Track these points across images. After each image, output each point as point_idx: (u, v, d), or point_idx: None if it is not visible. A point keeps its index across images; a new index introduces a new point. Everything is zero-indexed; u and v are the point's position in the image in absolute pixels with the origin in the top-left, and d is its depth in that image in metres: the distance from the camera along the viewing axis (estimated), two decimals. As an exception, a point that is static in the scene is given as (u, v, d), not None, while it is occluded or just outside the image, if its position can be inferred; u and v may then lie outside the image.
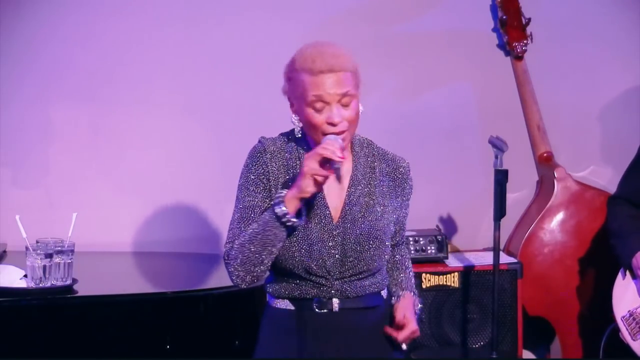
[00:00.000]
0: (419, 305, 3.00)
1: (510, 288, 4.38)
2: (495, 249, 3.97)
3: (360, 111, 2.89)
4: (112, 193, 4.51)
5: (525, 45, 4.66)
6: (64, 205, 4.39)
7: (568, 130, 4.82)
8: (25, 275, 3.63)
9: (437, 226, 4.59)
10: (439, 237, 4.40)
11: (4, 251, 4.19)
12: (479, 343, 4.38)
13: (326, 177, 2.75)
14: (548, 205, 4.60)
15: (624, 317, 4.04)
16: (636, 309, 4.02)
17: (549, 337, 4.74)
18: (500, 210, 3.94)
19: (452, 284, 4.36)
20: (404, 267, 3.05)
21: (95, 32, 4.48)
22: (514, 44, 4.65)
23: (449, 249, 4.46)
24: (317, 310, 2.86)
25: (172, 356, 3.59)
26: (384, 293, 2.96)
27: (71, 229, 3.64)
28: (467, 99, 4.77)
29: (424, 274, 4.34)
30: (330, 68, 2.84)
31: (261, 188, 2.87)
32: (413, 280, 3.04)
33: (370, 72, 4.68)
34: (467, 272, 4.36)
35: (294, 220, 2.77)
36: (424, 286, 4.35)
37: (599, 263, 4.53)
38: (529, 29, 4.67)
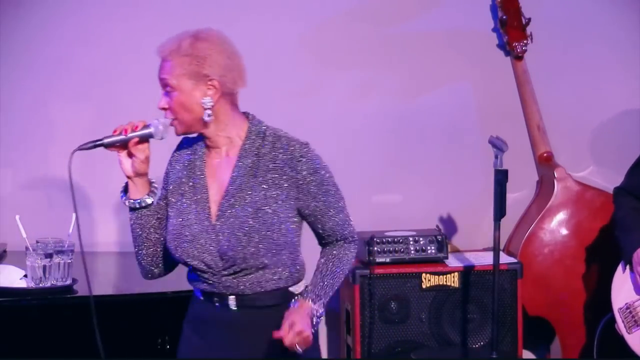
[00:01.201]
0: (320, 312, 2.87)
1: (510, 288, 4.38)
2: (495, 249, 3.97)
3: (204, 103, 2.80)
4: (112, 193, 4.51)
5: (525, 45, 4.66)
6: (64, 205, 4.39)
7: (568, 130, 4.82)
8: (25, 275, 3.63)
9: (437, 226, 4.59)
10: (439, 237, 4.40)
11: (4, 251, 4.19)
12: (479, 343, 4.38)
13: (126, 154, 2.82)
14: (548, 205, 4.60)
15: (620, 308, 4.05)
16: (633, 302, 4.03)
17: (549, 337, 4.74)
18: (500, 210, 3.94)
19: (452, 284, 4.36)
20: (331, 267, 2.90)
21: (95, 32, 4.48)
22: (514, 44, 4.65)
23: (449, 249, 4.46)
24: (217, 305, 2.87)
25: (172, 356, 3.58)
26: (295, 288, 2.89)
27: (71, 229, 3.64)
28: (467, 99, 4.77)
29: (424, 274, 4.35)
30: (160, 54, 2.84)
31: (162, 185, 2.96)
32: (333, 284, 2.89)
33: (370, 72, 4.74)
34: (467, 272, 4.36)
35: (131, 200, 2.87)
36: (424, 286, 4.35)
37: (599, 263, 4.53)
38: (529, 29, 4.67)
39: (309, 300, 2.85)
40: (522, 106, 4.73)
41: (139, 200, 2.88)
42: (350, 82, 4.68)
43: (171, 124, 2.84)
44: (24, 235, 3.58)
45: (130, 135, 2.81)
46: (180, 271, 3.01)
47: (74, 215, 3.68)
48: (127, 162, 2.84)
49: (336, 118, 4.69)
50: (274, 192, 2.82)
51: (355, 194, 4.68)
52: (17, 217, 3.61)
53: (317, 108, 4.67)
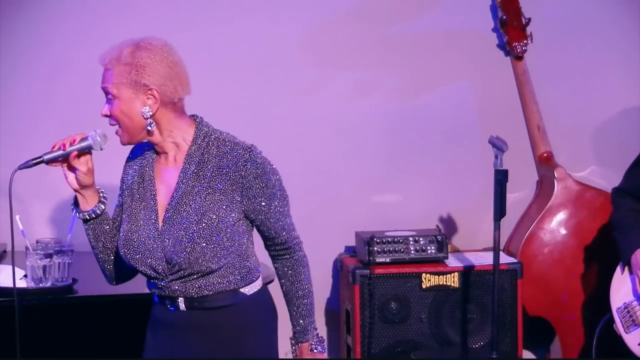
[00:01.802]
0: (316, 339, 2.96)
1: (510, 288, 4.38)
2: (495, 249, 3.97)
3: (143, 113, 2.80)
4: (112, 193, 4.50)
5: (525, 45, 4.66)
6: (64, 205, 4.39)
7: (568, 130, 4.82)
8: (25, 275, 3.63)
9: (437, 226, 4.59)
10: (439, 237, 4.40)
11: (4, 251, 4.18)
12: (479, 343, 4.38)
13: (68, 168, 2.86)
14: (548, 205, 4.60)
15: (619, 308, 4.06)
16: (631, 302, 4.04)
17: (549, 337, 4.74)
18: (500, 210, 3.94)
19: (452, 284, 4.36)
20: (298, 294, 2.94)
21: (95, 32, 4.47)
22: (514, 44, 4.65)
23: (449, 249, 4.46)
24: (168, 307, 2.89)
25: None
26: (246, 290, 2.90)
27: (71, 229, 3.64)
28: (467, 99, 4.77)
29: (424, 274, 4.35)
30: (101, 62, 2.86)
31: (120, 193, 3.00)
32: (309, 307, 2.96)
33: (370, 72, 4.74)
34: (467, 272, 4.36)
35: (82, 212, 2.90)
36: (424, 286, 4.35)
37: (599, 263, 4.53)
38: (529, 29, 4.67)
39: (304, 343, 2.94)
40: (522, 106, 4.73)
41: (89, 212, 2.91)
42: (350, 82, 4.68)
43: (116, 133, 2.85)
44: (24, 236, 3.58)
45: (69, 149, 2.83)
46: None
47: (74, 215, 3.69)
48: (70, 176, 2.88)
49: (336, 118, 4.68)
50: (218, 197, 2.82)
51: (355, 194, 4.70)
52: (17, 217, 3.60)
53: (317, 108, 4.67)
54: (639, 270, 3.98)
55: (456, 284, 4.36)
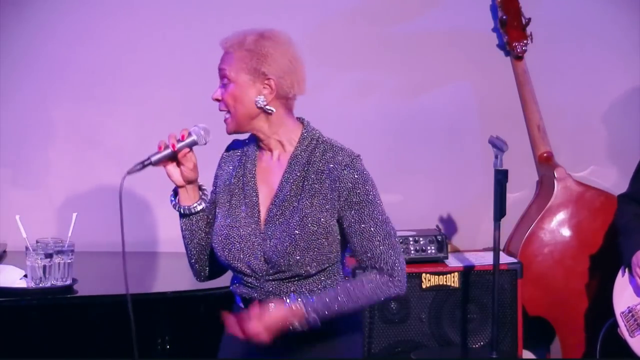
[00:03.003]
0: (312, 317, 2.74)
1: (510, 288, 4.38)
2: (495, 249, 3.97)
3: (257, 102, 2.77)
4: (112, 193, 4.51)
5: (525, 45, 4.66)
6: (64, 205, 4.40)
7: (568, 130, 4.82)
8: (25, 275, 3.63)
9: (437, 226, 4.59)
10: (439, 237, 4.40)
11: (4, 251, 4.19)
12: (479, 343, 4.38)
13: (174, 165, 2.81)
14: (548, 205, 4.60)
15: (623, 313, 4.05)
16: (635, 305, 4.03)
17: (549, 337, 4.74)
18: (500, 210, 3.94)
19: (452, 284, 4.36)
20: (351, 291, 2.76)
21: (95, 32, 4.48)
22: (514, 44, 4.65)
23: (449, 249, 4.46)
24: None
25: (172, 356, 3.59)
26: None
27: (71, 229, 3.64)
28: (467, 99, 4.77)
29: (424, 274, 4.34)
30: (223, 44, 2.84)
31: (213, 189, 2.95)
32: (341, 305, 2.74)
33: (370, 72, 4.74)
34: (467, 272, 4.36)
35: (184, 206, 2.87)
36: (424, 286, 4.35)
37: (599, 263, 4.53)
38: (529, 29, 4.67)
39: (302, 308, 2.73)
40: (522, 106, 4.73)
41: (190, 207, 2.88)
42: (351, 82, 4.69)
43: (224, 121, 2.82)
44: (24, 235, 3.58)
45: (179, 146, 2.80)
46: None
47: (74, 215, 3.69)
48: (175, 173, 2.84)
49: (336, 118, 4.68)
50: (319, 201, 2.78)
51: (355, 194, 4.69)
52: (17, 217, 3.61)
53: (317, 108, 4.63)
54: (638, 268, 3.97)
55: (456, 284, 4.36)
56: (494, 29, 4.74)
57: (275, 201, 2.81)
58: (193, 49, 4.54)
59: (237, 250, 2.81)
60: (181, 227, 2.92)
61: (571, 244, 4.60)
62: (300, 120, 2.89)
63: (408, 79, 4.73)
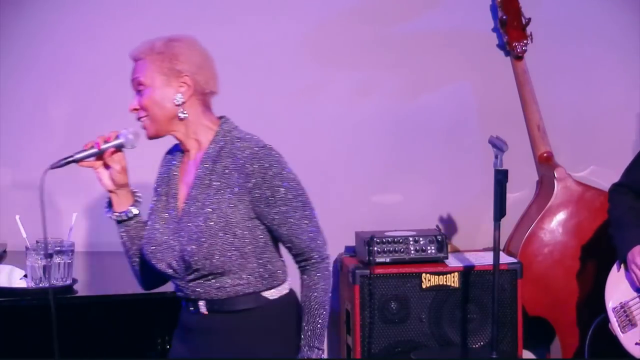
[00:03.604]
0: (314, 355, 2.85)
1: (510, 288, 4.38)
2: (495, 249, 3.97)
3: (176, 100, 2.80)
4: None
5: (525, 45, 4.66)
6: (64, 205, 4.39)
7: (568, 130, 4.82)
8: (25, 275, 3.63)
9: (437, 226, 4.59)
10: (439, 237, 4.40)
11: (4, 251, 4.19)
12: (479, 343, 4.38)
13: (102, 168, 2.86)
14: (548, 205, 4.60)
15: (614, 308, 4.06)
16: (628, 301, 4.03)
17: (549, 337, 4.75)
18: (500, 210, 3.94)
19: (452, 284, 4.36)
20: (310, 301, 2.84)
21: (95, 32, 4.48)
22: (514, 44, 4.65)
23: (449, 249, 4.46)
24: (191, 310, 2.88)
25: (172, 356, 3.58)
26: (268, 294, 2.86)
27: (71, 229, 3.64)
28: (467, 99, 4.77)
29: (424, 274, 4.35)
30: (132, 55, 2.86)
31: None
32: (321, 323, 2.83)
33: (370, 72, 4.74)
34: (467, 272, 4.36)
35: (115, 214, 2.92)
36: (424, 286, 4.35)
37: (599, 263, 4.53)
38: (529, 29, 4.67)
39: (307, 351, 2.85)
40: (522, 106, 4.73)
41: (124, 212, 2.92)
42: (350, 82, 4.69)
43: (143, 127, 2.84)
44: (24, 235, 3.58)
45: (104, 147, 2.83)
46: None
47: (74, 215, 3.69)
48: (105, 176, 2.88)
49: (336, 118, 4.69)
50: (228, 195, 2.79)
51: (355, 194, 4.70)
52: (17, 217, 3.61)
53: (317, 108, 4.67)
54: (633, 264, 3.96)
55: (456, 284, 4.36)
56: (494, 29, 4.74)
57: (187, 200, 2.84)
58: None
59: (159, 251, 2.85)
60: (120, 236, 2.95)
61: (571, 244, 4.60)
62: (220, 117, 2.92)
63: (408, 79, 4.73)
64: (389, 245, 4.36)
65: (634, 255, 3.96)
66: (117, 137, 2.84)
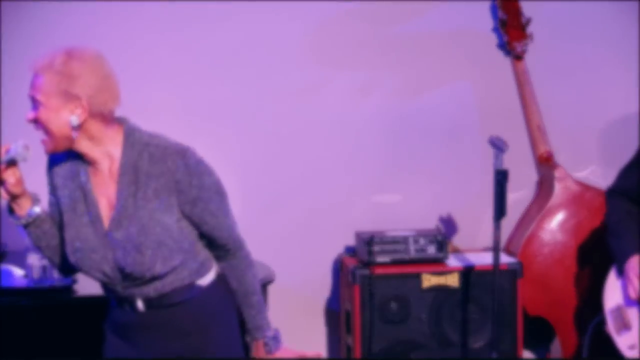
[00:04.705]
0: (272, 334, 2.99)
1: (510, 288, 4.38)
2: (495, 249, 3.97)
3: (71, 122, 2.77)
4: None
5: (525, 45, 4.66)
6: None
7: (568, 130, 4.82)
8: (26, 275, 3.63)
9: (437, 226, 4.59)
10: (439, 237, 4.39)
11: (4, 251, 4.19)
12: (479, 343, 4.38)
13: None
14: (548, 205, 4.60)
15: (611, 310, 4.06)
16: (623, 305, 4.04)
17: (549, 337, 4.74)
18: (500, 210, 3.94)
19: (452, 284, 4.36)
20: (245, 285, 2.96)
21: (95, 32, 4.47)
22: (514, 44, 4.65)
23: (449, 249, 4.46)
24: (127, 309, 2.89)
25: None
26: (201, 281, 2.91)
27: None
28: (467, 99, 4.77)
29: (424, 274, 4.34)
30: (31, 68, 2.83)
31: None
32: (259, 306, 2.98)
33: (370, 72, 4.74)
34: (467, 272, 4.36)
35: (21, 217, 2.89)
36: (424, 286, 4.35)
37: (599, 263, 4.52)
38: (529, 29, 4.67)
39: (259, 340, 2.98)
40: (522, 106, 4.73)
41: (27, 213, 2.89)
42: (351, 82, 4.68)
43: (41, 142, 2.82)
44: (24, 235, 3.57)
45: None
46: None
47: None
48: (1, 190, 2.85)
49: (336, 118, 4.68)
50: (156, 204, 2.80)
51: (355, 194, 4.70)
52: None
53: (317, 108, 4.67)
54: (631, 273, 3.96)
55: (456, 284, 4.36)
56: (494, 29, 4.74)
57: (114, 213, 2.82)
58: (193, 49, 4.54)
59: (88, 261, 2.84)
60: (32, 240, 2.93)
61: (571, 244, 4.60)
62: (121, 122, 2.88)
63: (408, 79, 4.72)
64: (389, 245, 4.36)
65: (632, 266, 3.96)
66: (7, 152, 2.83)
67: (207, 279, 2.92)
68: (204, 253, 2.92)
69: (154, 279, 2.83)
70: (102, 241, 2.83)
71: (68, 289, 3.62)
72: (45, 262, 3.58)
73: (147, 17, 4.48)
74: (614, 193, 4.15)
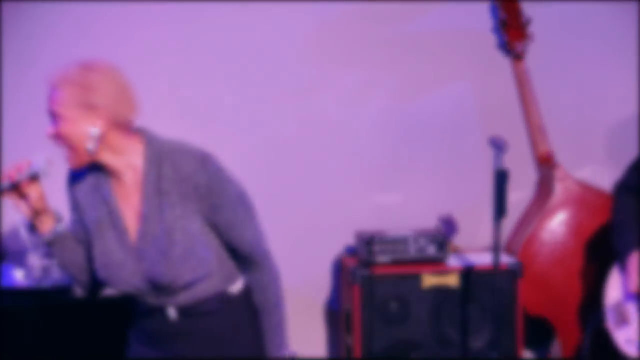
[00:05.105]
0: (286, 353, 2.97)
1: (510, 288, 4.38)
2: (495, 249, 3.97)
3: (91, 133, 2.76)
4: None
5: (525, 45, 4.66)
6: (64, 205, 4.39)
7: (568, 130, 4.82)
8: (26, 276, 3.63)
9: (437, 226, 4.59)
10: (439, 237, 4.39)
11: (4, 251, 4.19)
12: (479, 343, 4.38)
13: (18, 197, 2.81)
14: (548, 205, 4.60)
15: (610, 305, 4.07)
16: (622, 300, 4.05)
17: (549, 337, 4.74)
18: (500, 210, 3.94)
19: (452, 284, 4.36)
20: (266, 302, 2.95)
21: (95, 32, 4.47)
22: (514, 44, 4.65)
23: (449, 249, 4.46)
24: (157, 317, 2.88)
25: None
26: (233, 288, 2.92)
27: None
28: (467, 99, 4.77)
29: (424, 274, 4.34)
30: (49, 82, 2.83)
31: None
32: (280, 324, 2.97)
33: (370, 72, 4.74)
34: (467, 272, 4.36)
35: (45, 235, 2.86)
36: (424, 286, 4.35)
37: (599, 263, 4.53)
38: (529, 29, 4.67)
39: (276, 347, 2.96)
40: (522, 106, 4.73)
41: (51, 232, 2.88)
42: (351, 82, 4.68)
43: (65, 158, 2.81)
44: (24, 236, 3.57)
45: (17, 179, 2.80)
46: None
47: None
48: (23, 205, 2.84)
49: (336, 118, 4.68)
50: (179, 211, 2.79)
51: (356, 194, 4.70)
52: (18, 217, 3.60)
53: (317, 108, 4.67)
54: (631, 268, 3.97)
55: (456, 284, 4.36)
56: (494, 29, 4.74)
57: (141, 223, 2.81)
58: (194, 49, 4.54)
59: (118, 274, 2.83)
60: (59, 258, 2.91)
61: (571, 244, 4.60)
62: (140, 132, 2.87)
63: (408, 79, 4.73)
64: (389, 245, 4.36)
65: (632, 261, 3.97)
66: (29, 167, 2.81)
67: (237, 286, 2.92)
68: (232, 261, 2.92)
69: (185, 287, 2.82)
70: (130, 254, 2.83)
71: (68, 289, 3.62)
72: (45, 262, 3.58)
73: (147, 17, 4.48)
74: (622, 189, 4.15)
